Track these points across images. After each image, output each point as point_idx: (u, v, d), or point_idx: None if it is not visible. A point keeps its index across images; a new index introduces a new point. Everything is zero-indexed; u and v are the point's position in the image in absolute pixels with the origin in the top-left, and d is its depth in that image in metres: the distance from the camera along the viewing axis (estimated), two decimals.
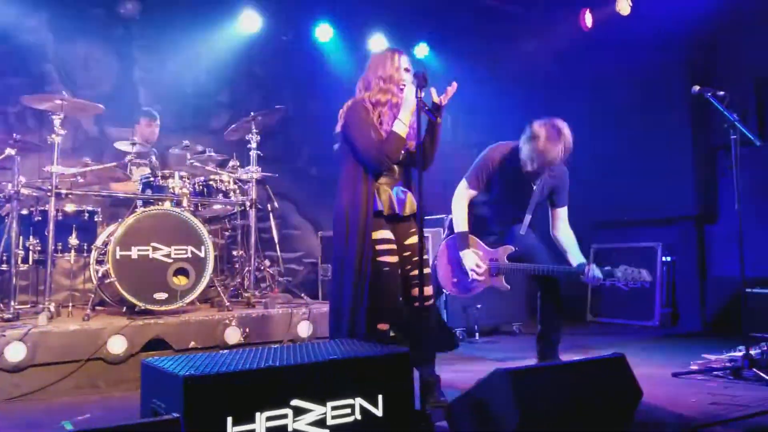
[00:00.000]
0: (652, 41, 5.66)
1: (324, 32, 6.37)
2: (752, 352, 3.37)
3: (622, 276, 3.23)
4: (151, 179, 4.22)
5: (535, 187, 3.44)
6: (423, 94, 2.62)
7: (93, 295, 3.88)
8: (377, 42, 6.53)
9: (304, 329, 4.04)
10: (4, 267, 3.93)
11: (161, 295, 3.77)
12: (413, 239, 2.94)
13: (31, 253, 3.95)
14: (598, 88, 6.13)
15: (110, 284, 3.76)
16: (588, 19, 6.12)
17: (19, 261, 3.85)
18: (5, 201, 4.01)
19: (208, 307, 4.32)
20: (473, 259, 3.42)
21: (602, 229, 6.24)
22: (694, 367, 3.62)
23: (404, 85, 2.87)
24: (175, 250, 3.86)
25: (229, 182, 4.60)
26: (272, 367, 2.12)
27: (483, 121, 6.82)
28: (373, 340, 2.67)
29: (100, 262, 3.98)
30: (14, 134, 4.01)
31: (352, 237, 2.81)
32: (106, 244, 3.89)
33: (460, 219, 3.44)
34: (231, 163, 4.85)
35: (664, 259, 5.75)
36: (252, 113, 4.61)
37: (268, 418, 2.03)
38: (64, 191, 3.91)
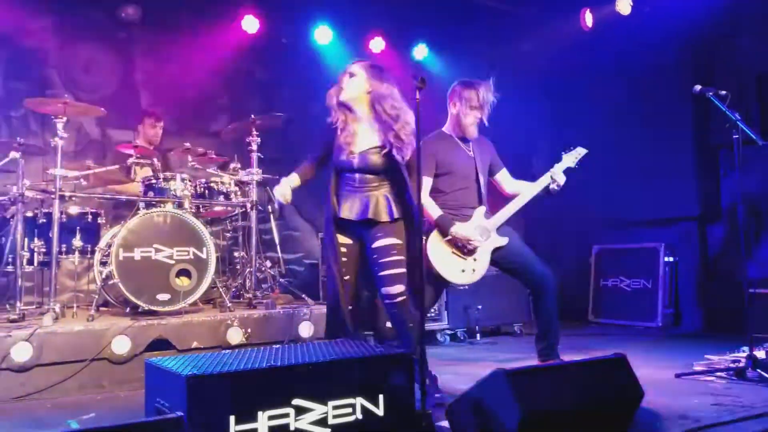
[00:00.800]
0: (653, 41, 5.64)
1: (323, 34, 6.37)
2: (756, 352, 3.33)
3: (564, 162, 3.54)
4: (154, 181, 4.24)
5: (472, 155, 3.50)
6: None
7: (97, 296, 3.91)
8: (376, 44, 6.54)
9: (305, 329, 4.06)
10: (10, 269, 3.95)
11: (164, 296, 3.79)
12: (380, 243, 2.98)
13: (36, 254, 3.97)
14: (598, 88, 6.12)
15: (114, 285, 3.79)
16: (588, 19, 6.10)
17: (25, 263, 3.88)
18: (10, 203, 4.04)
19: (210, 308, 4.34)
20: (465, 228, 3.38)
21: (604, 230, 6.22)
22: (697, 368, 3.60)
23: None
24: (178, 251, 3.88)
25: (230, 184, 4.63)
26: (274, 366, 2.14)
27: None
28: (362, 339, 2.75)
29: (103, 264, 4.00)
30: (18, 138, 4.06)
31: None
32: (109, 245, 3.91)
33: (431, 207, 3.42)
34: (232, 165, 4.87)
35: (666, 259, 5.73)
36: (252, 116, 4.65)
37: (270, 417, 2.05)
38: (67, 194, 3.94)
